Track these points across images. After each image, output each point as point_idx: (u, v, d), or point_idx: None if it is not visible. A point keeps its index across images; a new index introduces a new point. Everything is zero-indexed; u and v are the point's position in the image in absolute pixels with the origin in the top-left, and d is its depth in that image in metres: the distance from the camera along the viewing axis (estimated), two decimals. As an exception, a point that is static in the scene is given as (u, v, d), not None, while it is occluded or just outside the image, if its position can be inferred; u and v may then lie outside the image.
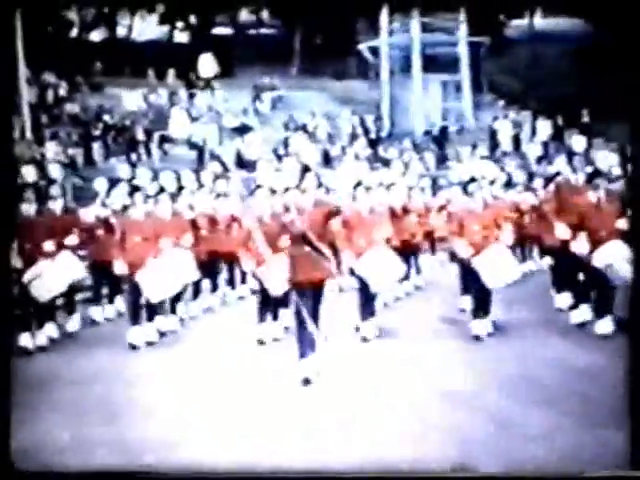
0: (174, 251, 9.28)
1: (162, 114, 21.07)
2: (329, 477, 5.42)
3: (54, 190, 9.41)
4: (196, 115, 21.25)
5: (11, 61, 19.65)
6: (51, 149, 18.99)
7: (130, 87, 21.66)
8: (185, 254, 9.44)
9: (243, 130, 20.94)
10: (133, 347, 8.98)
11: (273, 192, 8.94)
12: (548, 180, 11.33)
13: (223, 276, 11.58)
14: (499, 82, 22.98)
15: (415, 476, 5.16)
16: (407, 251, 11.11)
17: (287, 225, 7.80)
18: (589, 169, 10.45)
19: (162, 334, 9.51)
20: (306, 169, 14.54)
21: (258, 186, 9.37)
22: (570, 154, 10.30)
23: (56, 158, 18.76)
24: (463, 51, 22.54)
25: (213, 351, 8.91)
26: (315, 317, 7.50)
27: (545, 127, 21.30)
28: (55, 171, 14.42)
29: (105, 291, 10.67)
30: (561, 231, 9.26)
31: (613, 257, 8.39)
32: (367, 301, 9.21)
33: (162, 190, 9.91)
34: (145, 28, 23.82)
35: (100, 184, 10.66)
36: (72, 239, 9.04)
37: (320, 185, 10.84)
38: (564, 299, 10.23)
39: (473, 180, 9.54)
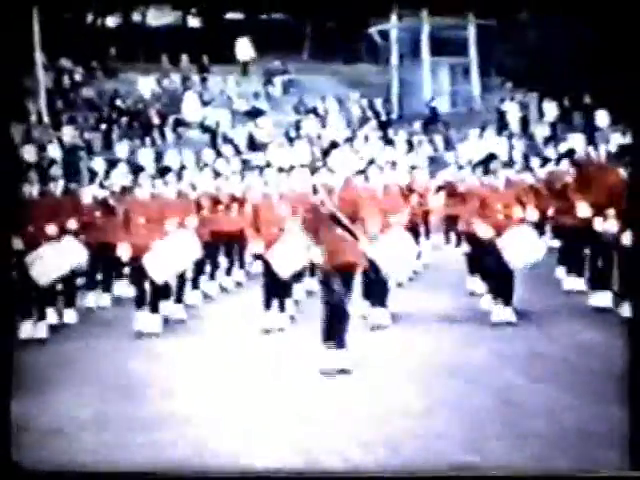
0: (179, 232, 8.38)
1: (175, 98, 20.51)
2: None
3: (54, 171, 8.48)
4: (208, 99, 20.63)
5: (28, 47, 19.05)
6: (68, 133, 18.44)
7: (144, 72, 21.12)
8: (190, 235, 8.54)
9: (255, 113, 20.39)
10: (140, 335, 8.07)
11: (291, 169, 7.95)
12: (560, 157, 10.35)
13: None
14: (507, 64, 22.03)
15: (415, 476, 4.58)
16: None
17: (316, 206, 6.68)
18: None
19: (167, 321, 8.61)
20: (334, 145, 13.27)
21: (282, 168, 8.38)
22: (591, 130, 9.25)
23: (73, 142, 18.20)
24: (471, 34, 21.93)
25: (217, 340, 8.02)
26: (342, 302, 6.50)
27: (552, 108, 20.37)
28: (54, 151, 13.48)
29: (99, 277, 9.76)
30: (583, 210, 8.31)
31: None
32: (379, 287, 8.22)
33: (167, 170, 8.97)
34: (159, 14, 22.99)
35: (98, 165, 9.71)
36: (72, 223, 8.08)
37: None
38: (575, 281, 9.33)
39: (493, 157, 8.49)
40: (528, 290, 8.66)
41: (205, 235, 9.30)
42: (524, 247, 7.82)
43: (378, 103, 21.64)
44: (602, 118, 8.72)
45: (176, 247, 8.26)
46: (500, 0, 22.28)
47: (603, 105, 17.07)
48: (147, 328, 8.12)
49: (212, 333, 8.35)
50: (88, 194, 9.22)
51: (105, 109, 19.91)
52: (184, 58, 21.83)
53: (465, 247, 10.37)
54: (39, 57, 19.34)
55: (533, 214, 7.95)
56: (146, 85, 20.73)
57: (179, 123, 19.83)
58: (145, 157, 11.93)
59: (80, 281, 9.57)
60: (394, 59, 22.15)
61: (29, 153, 11.26)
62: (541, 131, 19.88)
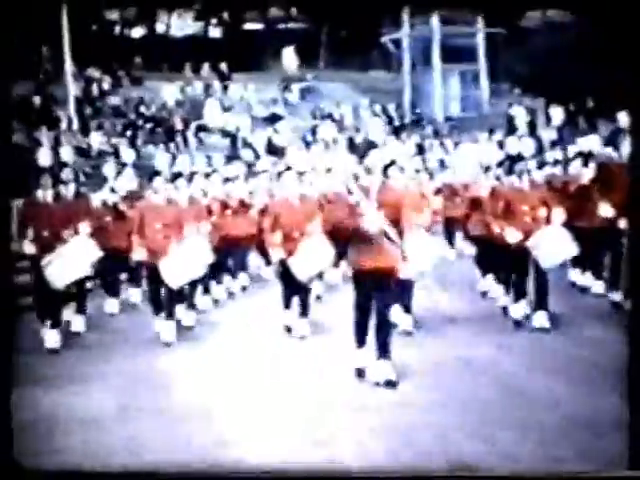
0: (194, 238, 7.77)
1: (197, 105, 20.07)
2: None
3: (65, 175, 7.88)
4: (229, 105, 20.20)
5: (59, 58, 18.67)
6: (96, 139, 18.01)
7: (168, 80, 20.78)
8: (203, 241, 7.95)
9: (273, 119, 19.98)
10: (167, 344, 7.46)
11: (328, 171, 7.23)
12: (574, 157, 9.58)
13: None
14: (515, 71, 21.44)
15: (415, 476, 4.37)
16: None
17: (352, 207, 5.88)
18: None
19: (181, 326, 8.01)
20: (371, 145, 12.20)
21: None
22: (613, 131, 8.50)
23: (101, 148, 17.79)
24: (480, 42, 21.54)
25: (233, 345, 7.46)
26: (385, 310, 5.88)
27: (558, 113, 19.73)
28: (67, 155, 12.88)
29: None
30: (605, 210, 7.65)
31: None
32: (403, 289, 7.30)
33: (179, 175, 8.35)
34: (182, 25, 22.56)
35: (109, 169, 9.06)
36: (85, 227, 7.47)
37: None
38: (589, 281, 8.68)
39: (521, 158, 7.76)
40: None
41: (215, 240, 8.68)
42: (555, 247, 7.16)
43: (391, 108, 21.31)
44: (623, 119, 7.99)
45: (192, 253, 7.66)
46: (508, 8, 21.74)
47: (606, 109, 16.38)
48: (163, 336, 7.53)
49: (229, 335, 7.81)
50: (96, 199, 8.61)
51: (131, 116, 19.52)
52: (205, 67, 21.47)
53: (470, 249, 9.80)
54: (69, 67, 18.94)
55: (561, 215, 7.27)
56: (170, 93, 20.40)
57: (201, 129, 19.42)
58: (161, 161, 11.30)
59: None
60: (406, 66, 21.81)
61: (66, 153, 10.78)
62: (548, 135, 19.29)
